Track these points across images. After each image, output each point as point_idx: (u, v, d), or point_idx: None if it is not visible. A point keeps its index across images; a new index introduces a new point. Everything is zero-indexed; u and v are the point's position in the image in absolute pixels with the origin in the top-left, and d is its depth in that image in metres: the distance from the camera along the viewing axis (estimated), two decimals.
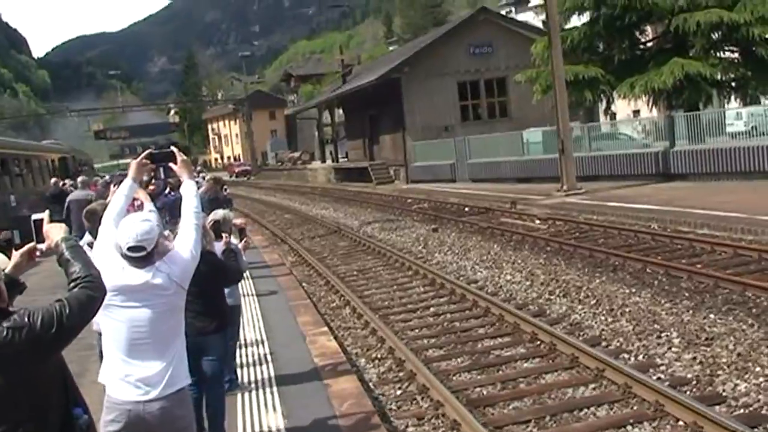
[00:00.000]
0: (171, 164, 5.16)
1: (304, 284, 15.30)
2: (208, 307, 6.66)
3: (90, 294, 3.50)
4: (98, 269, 3.71)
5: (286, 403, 7.64)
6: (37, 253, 4.13)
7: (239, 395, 7.97)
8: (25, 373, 3.30)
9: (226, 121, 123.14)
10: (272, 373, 8.67)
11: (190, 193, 4.94)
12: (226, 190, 16.11)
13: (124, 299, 4.50)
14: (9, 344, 3.23)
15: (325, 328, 10.73)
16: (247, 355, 9.46)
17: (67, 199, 17.64)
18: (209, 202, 13.28)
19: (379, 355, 10.49)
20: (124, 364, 4.41)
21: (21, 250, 4.04)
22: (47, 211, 4.27)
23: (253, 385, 8.30)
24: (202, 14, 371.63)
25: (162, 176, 15.56)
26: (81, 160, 48.56)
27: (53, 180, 22.92)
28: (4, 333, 3.24)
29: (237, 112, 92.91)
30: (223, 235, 7.46)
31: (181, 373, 4.81)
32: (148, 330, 4.35)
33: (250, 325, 10.96)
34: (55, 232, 3.88)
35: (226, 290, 7.37)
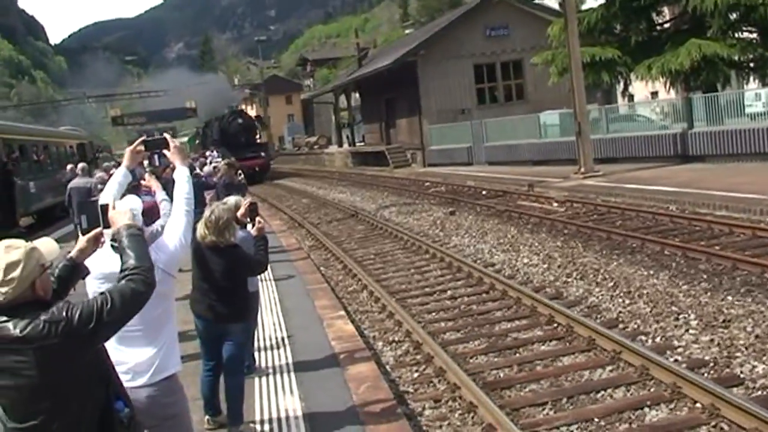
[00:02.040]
0: (165, 151, 5.14)
1: (321, 268, 15.35)
2: (231, 296, 6.71)
3: (135, 288, 3.48)
4: (152, 262, 3.71)
5: (304, 387, 7.67)
6: (103, 239, 4.15)
7: (257, 379, 8.01)
8: (61, 366, 3.30)
9: (243, 106, 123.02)
10: (290, 357, 8.70)
11: (182, 178, 4.91)
12: (240, 175, 16.16)
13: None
14: (45, 337, 3.23)
15: (343, 312, 10.76)
16: (264, 339, 9.50)
17: (68, 187, 17.72)
18: (224, 188, 13.32)
19: (396, 339, 10.52)
20: (116, 352, 4.42)
21: (88, 236, 4.06)
22: (113, 198, 4.28)
23: (270, 369, 8.34)
24: None
25: (156, 164, 15.66)
26: (99, 146, 48.63)
27: (69, 166, 22.99)
28: (41, 326, 3.25)
29: (253, 97, 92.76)
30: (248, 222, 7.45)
31: (171, 360, 4.84)
32: (136, 317, 4.36)
33: (268, 310, 10.99)
34: (120, 218, 3.89)
35: None
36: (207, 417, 6.94)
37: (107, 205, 4.04)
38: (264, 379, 8.04)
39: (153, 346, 4.57)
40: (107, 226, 4.00)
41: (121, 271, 3.57)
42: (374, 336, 10.82)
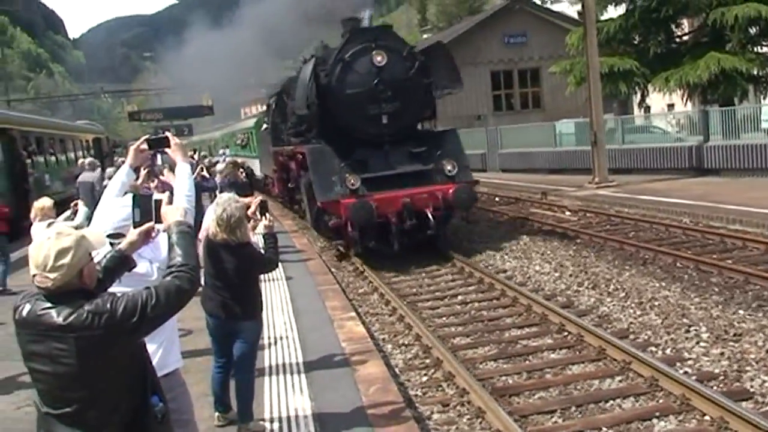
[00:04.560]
0: (166, 149, 5.15)
1: (333, 269, 15.36)
2: (242, 294, 6.74)
3: (180, 285, 3.51)
4: (198, 261, 3.74)
5: (314, 386, 7.69)
6: (153, 234, 4.19)
7: (267, 377, 8.04)
8: (101, 357, 3.33)
9: (260, 107, 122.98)
10: (300, 357, 8.72)
11: (183, 175, 4.87)
12: (243, 173, 16.24)
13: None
14: (88, 328, 3.27)
15: (353, 314, 10.77)
16: (275, 338, 9.54)
17: (77, 180, 17.79)
18: (228, 187, 13.35)
19: (405, 342, 10.54)
20: None
21: (139, 229, 4.11)
22: (167, 193, 4.32)
23: (281, 368, 8.37)
24: None
25: (159, 162, 15.72)
26: (115, 141, 48.67)
27: (80, 161, 23.11)
28: (84, 316, 3.28)
29: (270, 98, 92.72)
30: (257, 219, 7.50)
31: (171, 356, 4.89)
32: None
33: (279, 309, 11.03)
34: (172, 215, 3.92)
35: None
36: (217, 414, 6.98)
37: (161, 200, 4.09)
38: (274, 377, 8.07)
39: (152, 343, 4.55)
40: (159, 220, 4.05)
41: (169, 266, 3.61)
42: (384, 338, 10.84)
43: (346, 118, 16.79)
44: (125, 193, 5.18)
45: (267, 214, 7.36)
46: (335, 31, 18.78)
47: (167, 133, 5.23)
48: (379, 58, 16.37)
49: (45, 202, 10.16)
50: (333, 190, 15.83)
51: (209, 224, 6.77)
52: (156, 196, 4.24)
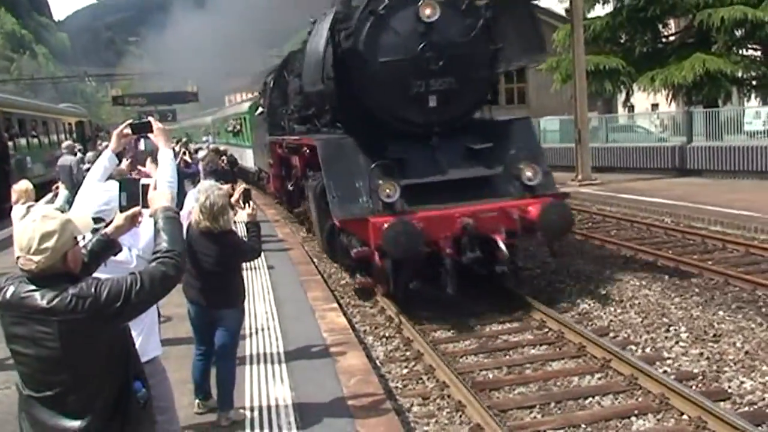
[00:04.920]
0: (149, 134, 5.11)
1: (315, 260, 15.33)
2: (224, 282, 6.72)
3: (165, 271, 3.49)
4: (184, 247, 3.72)
5: (294, 376, 7.69)
6: (140, 219, 4.17)
7: (248, 366, 8.03)
8: (84, 341, 3.33)
9: (245, 95, 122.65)
10: (281, 347, 8.71)
11: (165, 161, 4.80)
12: (224, 161, 16.07)
13: None
14: (71, 311, 3.26)
15: (335, 304, 10.76)
16: (256, 328, 9.52)
17: (57, 164, 17.71)
18: (211, 175, 13.30)
19: (386, 334, 10.54)
20: None
21: (126, 213, 4.10)
22: (155, 178, 4.29)
23: (262, 357, 8.36)
24: None
25: (142, 147, 15.59)
26: (98, 124, 48.36)
27: (63, 144, 23.00)
28: (68, 299, 3.27)
29: (255, 85, 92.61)
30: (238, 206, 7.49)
31: (151, 344, 4.90)
32: None
33: (261, 298, 11.02)
34: (159, 200, 3.90)
35: None
36: (197, 401, 6.97)
37: (148, 185, 4.07)
38: (255, 366, 8.06)
39: (132, 330, 4.58)
40: (146, 205, 4.03)
41: (154, 252, 3.59)
42: (365, 330, 10.83)
43: (376, 97, 11.66)
44: (108, 178, 5.16)
45: (250, 202, 7.34)
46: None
47: (150, 118, 5.20)
48: (428, 12, 11.05)
49: (24, 184, 10.07)
50: (357, 203, 11.02)
51: (192, 211, 6.74)
52: (143, 180, 4.22)
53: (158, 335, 5.09)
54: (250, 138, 30.30)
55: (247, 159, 31.29)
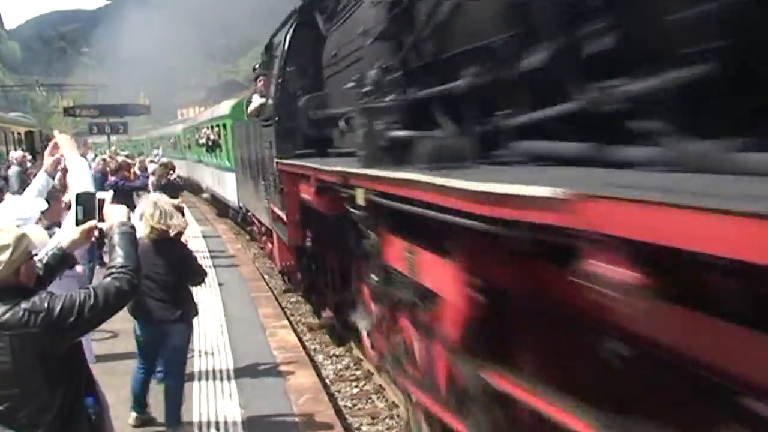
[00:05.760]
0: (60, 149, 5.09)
1: (266, 276, 15.25)
2: (174, 296, 6.66)
3: (119, 287, 3.48)
4: (139, 262, 3.70)
5: (244, 394, 7.65)
6: (95, 233, 4.13)
7: (196, 383, 7.98)
8: (36, 356, 3.29)
9: (197, 108, 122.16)
10: (231, 364, 8.68)
11: (81, 169, 4.83)
12: (171, 176, 15.53)
13: None
14: (24, 326, 3.23)
15: (285, 321, 10.74)
16: (206, 344, 9.45)
17: (10, 173, 17.47)
18: (161, 189, 13.20)
19: (336, 353, 10.51)
20: None
21: (82, 227, 4.06)
22: (111, 192, 4.27)
23: (211, 374, 8.31)
24: None
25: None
26: (48, 135, 47.74)
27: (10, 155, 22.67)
28: (20, 314, 3.24)
29: (209, 99, 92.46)
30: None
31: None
32: None
33: (210, 314, 10.94)
34: (114, 215, 3.87)
35: None
36: (134, 414, 6.89)
37: (104, 199, 4.05)
38: (204, 383, 8.02)
39: None
40: (101, 219, 4.00)
41: (109, 267, 3.57)
42: (315, 348, 10.80)
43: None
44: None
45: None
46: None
47: (55, 132, 5.25)
48: None
49: None
50: None
51: (142, 224, 6.67)
52: (99, 194, 4.20)
53: (91, 348, 5.04)
54: (231, 156, 19.73)
55: (226, 186, 21.62)
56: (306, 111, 9.22)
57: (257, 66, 13.30)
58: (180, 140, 38.75)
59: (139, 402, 6.94)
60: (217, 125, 24.58)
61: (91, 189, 4.56)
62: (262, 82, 12.34)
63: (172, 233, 6.55)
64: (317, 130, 9.11)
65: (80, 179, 4.71)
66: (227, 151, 21.69)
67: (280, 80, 10.11)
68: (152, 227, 6.52)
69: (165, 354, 6.79)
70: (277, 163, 9.62)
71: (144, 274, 6.61)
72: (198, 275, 7.05)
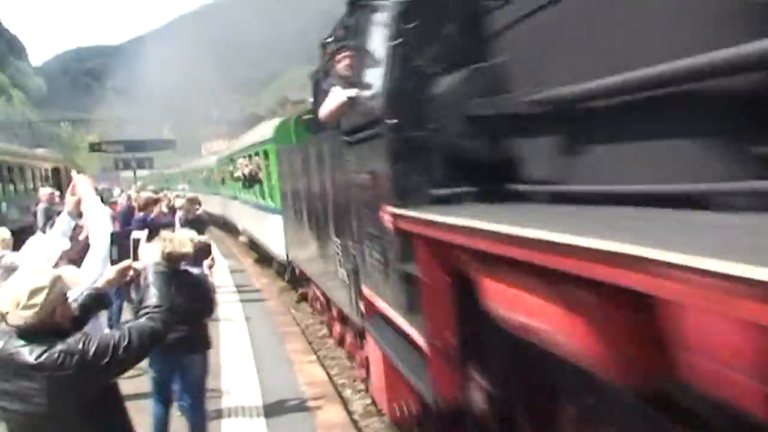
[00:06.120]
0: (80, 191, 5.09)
1: (292, 310, 15.26)
2: (197, 323, 6.68)
3: (154, 327, 3.51)
4: (173, 302, 3.73)
5: (273, 430, 7.63)
6: (131, 272, 4.17)
7: (225, 420, 7.97)
8: (71, 397, 3.31)
9: (221, 141, 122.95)
10: (259, 400, 8.66)
11: (100, 214, 4.83)
12: (198, 209, 15.27)
13: None
14: (59, 368, 3.25)
15: (314, 357, 10.73)
16: (234, 380, 9.45)
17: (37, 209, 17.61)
18: (187, 224, 13.26)
19: (364, 387, 10.47)
20: None
21: (117, 266, 4.10)
22: (145, 231, 4.31)
23: (240, 411, 8.30)
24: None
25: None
26: (74, 170, 47.93)
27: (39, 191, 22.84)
28: (56, 355, 3.26)
29: (232, 132, 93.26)
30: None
31: None
32: None
33: (238, 350, 10.95)
34: (149, 255, 3.93)
35: None
36: None
37: (139, 239, 4.09)
38: (233, 419, 8.02)
39: None
40: (136, 259, 4.05)
41: (143, 307, 3.60)
42: (343, 383, 10.76)
43: None
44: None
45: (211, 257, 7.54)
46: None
47: (73, 172, 5.29)
48: None
49: (1, 234, 9.94)
50: None
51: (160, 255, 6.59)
52: (135, 234, 4.24)
53: None
54: (276, 193, 15.88)
55: (269, 232, 17.55)
56: (459, 102, 4.53)
57: (328, 39, 8.94)
58: (213, 173, 35.13)
59: None
60: (256, 153, 19.46)
61: (107, 236, 4.53)
62: (344, 61, 7.39)
63: (191, 265, 6.61)
64: (486, 142, 4.45)
65: (97, 225, 4.70)
66: (270, 188, 17.33)
67: (398, 48, 4.95)
68: (176, 256, 6.51)
69: (186, 388, 6.81)
70: (396, 217, 4.62)
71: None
72: (210, 311, 7.12)
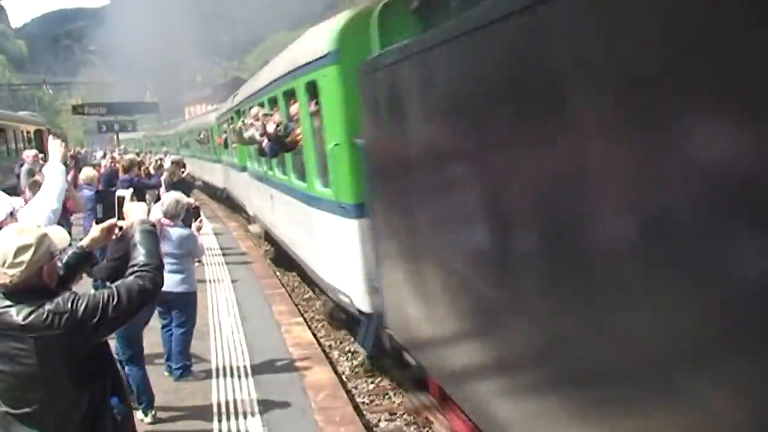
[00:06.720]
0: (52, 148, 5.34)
1: (278, 273, 15.27)
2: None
3: (143, 285, 3.48)
4: (161, 259, 3.71)
5: (262, 390, 7.66)
6: (116, 231, 4.15)
7: (214, 380, 8.00)
8: (61, 358, 3.29)
9: (204, 106, 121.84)
10: (247, 360, 8.69)
11: (55, 173, 5.09)
12: (183, 172, 15.36)
13: None
14: (47, 328, 3.23)
15: (300, 319, 10.75)
16: (222, 341, 9.48)
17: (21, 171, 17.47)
18: (172, 186, 13.21)
19: (352, 349, 10.52)
20: None
21: (101, 225, 4.08)
22: (130, 190, 4.28)
23: (228, 371, 8.33)
24: None
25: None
26: (56, 133, 47.73)
27: (24, 153, 22.64)
28: (44, 315, 3.24)
29: (215, 97, 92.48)
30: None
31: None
32: None
33: (225, 312, 10.97)
34: (134, 213, 3.89)
35: (180, 276, 7.72)
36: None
37: (123, 196, 4.05)
38: (222, 380, 8.04)
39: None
40: (122, 218, 4.01)
41: (131, 266, 3.57)
42: (330, 345, 10.81)
43: None
44: (21, 164, 5.47)
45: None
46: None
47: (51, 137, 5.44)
48: None
49: None
50: None
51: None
52: (119, 192, 4.21)
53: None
54: (345, 172, 7.70)
55: (323, 250, 9.19)
56: None
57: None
58: (212, 135, 28.01)
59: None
60: (290, 92, 10.26)
61: (53, 200, 4.86)
62: None
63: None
64: None
65: (49, 186, 4.98)
66: (325, 160, 8.45)
67: None
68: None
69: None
70: None
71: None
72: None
